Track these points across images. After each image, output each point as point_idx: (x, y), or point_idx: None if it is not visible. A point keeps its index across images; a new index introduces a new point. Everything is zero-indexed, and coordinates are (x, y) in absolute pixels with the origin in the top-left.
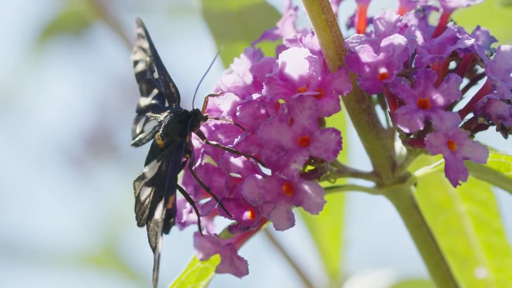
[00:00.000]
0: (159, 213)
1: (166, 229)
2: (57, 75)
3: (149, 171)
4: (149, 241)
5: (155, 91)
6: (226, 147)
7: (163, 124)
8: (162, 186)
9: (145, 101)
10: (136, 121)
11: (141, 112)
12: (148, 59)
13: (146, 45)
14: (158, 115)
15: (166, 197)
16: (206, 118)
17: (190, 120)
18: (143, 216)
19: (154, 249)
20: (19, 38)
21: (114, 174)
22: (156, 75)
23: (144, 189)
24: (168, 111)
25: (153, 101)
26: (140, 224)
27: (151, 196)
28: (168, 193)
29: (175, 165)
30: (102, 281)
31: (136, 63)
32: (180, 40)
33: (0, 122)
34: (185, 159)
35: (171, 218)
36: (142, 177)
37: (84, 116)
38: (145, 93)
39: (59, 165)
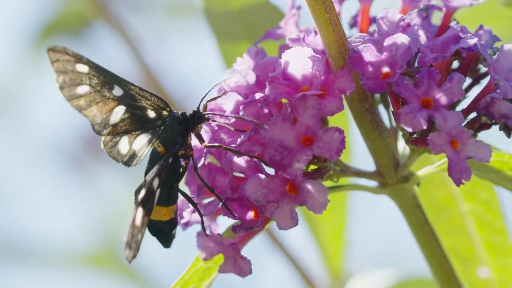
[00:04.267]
0: (142, 193)
1: (167, 242)
2: None
3: (150, 176)
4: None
5: (120, 107)
6: (229, 147)
7: (162, 131)
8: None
9: (112, 120)
10: (113, 143)
11: (114, 133)
12: (94, 80)
13: (83, 68)
14: (148, 127)
15: (150, 184)
16: (209, 119)
17: (195, 119)
18: None
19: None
20: (20, 37)
21: (114, 173)
22: (116, 92)
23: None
24: (164, 117)
25: (127, 116)
26: None
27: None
28: (152, 181)
29: (167, 158)
30: (101, 281)
31: (69, 89)
32: (180, 40)
33: (0, 122)
34: (185, 164)
35: (173, 230)
36: (143, 185)
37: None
38: (100, 115)
39: (59, 164)
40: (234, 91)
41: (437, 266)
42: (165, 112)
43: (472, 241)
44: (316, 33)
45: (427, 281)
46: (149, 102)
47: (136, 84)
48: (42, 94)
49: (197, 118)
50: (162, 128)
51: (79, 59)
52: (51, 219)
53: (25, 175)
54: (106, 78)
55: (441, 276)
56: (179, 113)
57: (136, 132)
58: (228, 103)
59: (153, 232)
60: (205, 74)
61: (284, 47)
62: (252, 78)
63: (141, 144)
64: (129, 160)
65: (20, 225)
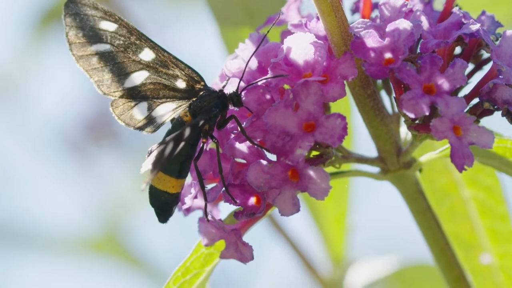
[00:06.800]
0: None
1: (165, 217)
2: (58, 61)
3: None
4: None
5: (142, 72)
6: (231, 133)
7: (197, 99)
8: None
9: (128, 84)
10: (127, 107)
11: (129, 97)
12: (119, 40)
13: (109, 26)
14: (174, 96)
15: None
16: (243, 105)
17: (234, 99)
18: None
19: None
20: (20, 23)
21: (115, 160)
22: (145, 56)
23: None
24: (197, 90)
25: (149, 82)
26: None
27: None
28: (203, 119)
29: (200, 119)
30: (103, 266)
31: (81, 47)
32: (181, 26)
33: (0, 108)
34: (202, 143)
35: (175, 206)
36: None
37: (85, 102)
38: (113, 76)
39: (60, 151)
40: (236, 76)
41: (439, 252)
42: (198, 86)
43: (474, 227)
44: (318, 19)
45: (429, 267)
46: (182, 72)
47: (170, 53)
48: (43, 81)
49: (235, 99)
50: (194, 98)
51: (109, 15)
52: (53, 205)
53: (27, 161)
54: (137, 40)
55: (443, 262)
56: (220, 89)
57: (160, 100)
58: (230, 89)
59: (156, 203)
60: (206, 60)
61: (286, 33)
62: (254, 63)
63: (163, 111)
64: (145, 126)
65: (21, 211)
